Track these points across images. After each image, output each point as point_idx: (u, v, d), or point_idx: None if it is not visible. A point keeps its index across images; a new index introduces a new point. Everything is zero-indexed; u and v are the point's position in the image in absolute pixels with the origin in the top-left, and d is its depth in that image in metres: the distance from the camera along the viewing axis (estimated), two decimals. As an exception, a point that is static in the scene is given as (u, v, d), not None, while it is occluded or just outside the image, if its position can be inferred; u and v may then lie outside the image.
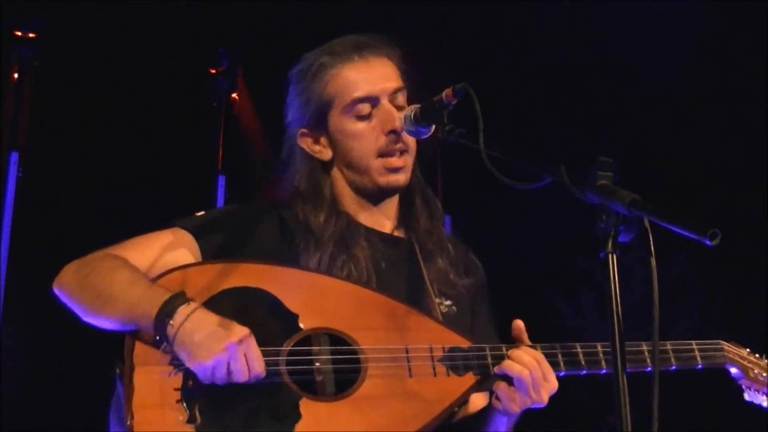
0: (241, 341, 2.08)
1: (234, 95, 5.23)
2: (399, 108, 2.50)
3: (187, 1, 5.50)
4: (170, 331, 2.09)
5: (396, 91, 2.52)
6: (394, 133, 2.45)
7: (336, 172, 2.55)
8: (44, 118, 5.03)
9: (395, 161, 2.47)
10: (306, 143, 2.55)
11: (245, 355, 2.09)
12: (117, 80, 5.39)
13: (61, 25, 4.95)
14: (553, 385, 2.28)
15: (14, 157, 4.55)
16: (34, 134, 4.79)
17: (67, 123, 5.28)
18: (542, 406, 2.28)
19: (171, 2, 5.43)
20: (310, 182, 2.53)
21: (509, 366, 2.25)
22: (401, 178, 2.49)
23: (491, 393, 2.32)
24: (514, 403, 2.26)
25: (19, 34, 4.66)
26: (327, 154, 2.54)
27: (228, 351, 2.07)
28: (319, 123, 2.53)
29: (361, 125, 2.49)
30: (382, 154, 2.47)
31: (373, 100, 2.49)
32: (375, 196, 2.53)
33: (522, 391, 2.25)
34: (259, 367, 2.11)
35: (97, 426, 2.32)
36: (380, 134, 2.47)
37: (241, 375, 2.09)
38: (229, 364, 2.07)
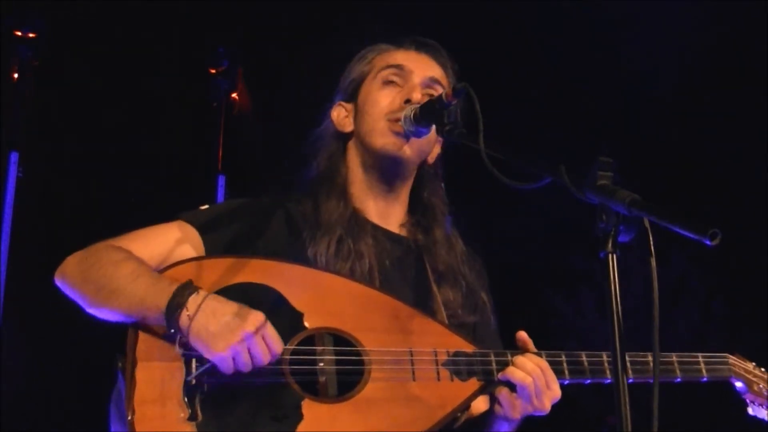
0: (257, 329, 2.08)
1: (234, 95, 5.22)
2: (430, 96, 2.47)
3: (187, 1, 5.49)
4: (183, 322, 2.08)
5: (434, 80, 2.52)
6: (410, 104, 2.43)
7: (351, 150, 2.55)
8: (44, 118, 5.02)
9: (401, 128, 2.43)
10: (337, 114, 2.58)
11: (263, 339, 2.08)
12: (117, 80, 5.39)
13: (61, 25, 4.94)
14: (555, 393, 2.27)
15: (14, 157, 4.53)
16: (34, 134, 4.78)
17: (67, 123, 5.28)
18: (544, 413, 2.27)
19: (171, 2, 5.43)
20: (327, 165, 2.54)
21: (512, 373, 2.25)
22: (399, 145, 2.44)
23: (493, 397, 2.31)
24: (515, 410, 2.25)
25: (19, 34, 4.65)
26: (349, 126, 2.55)
27: (245, 341, 2.06)
28: (353, 93, 2.57)
29: (385, 91, 2.50)
30: (391, 118, 2.45)
31: (406, 73, 2.51)
32: (382, 176, 2.50)
33: (524, 398, 2.24)
34: (278, 347, 2.11)
35: (97, 425, 2.32)
36: (395, 102, 2.47)
37: (262, 359, 2.08)
38: (249, 349, 2.07)
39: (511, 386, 2.25)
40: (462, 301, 2.50)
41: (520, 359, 2.26)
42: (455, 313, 2.47)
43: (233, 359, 2.07)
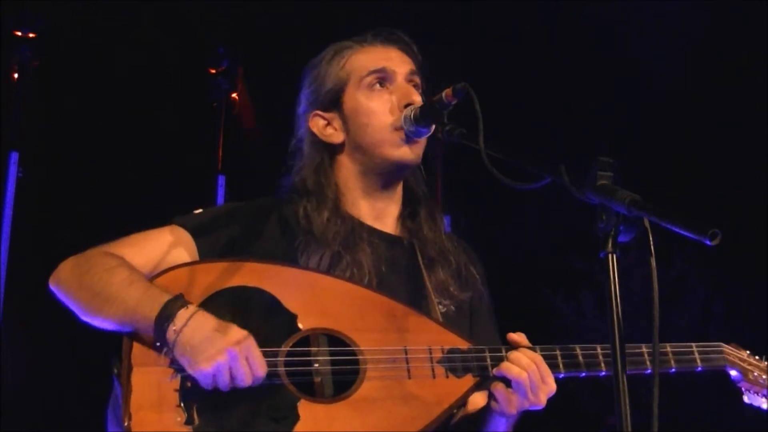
0: (240, 345, 2.06)
1: (234, 95, 5.22)
2: (416, 88, 2.50)
3: (187, 1, 5.49)
4: (170, 336, 2.07)
5: (413, 73, 2.52)
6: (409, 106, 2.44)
7: (344, 160, 2.52)
8: (44, 118, 5.02)
9: (404, 133, 2.43)
10: (317, 126, 2.53)
11: (246, 359, 2.07)
12: (117, 80, 5.39)
13: (61, 25, 4.94)
14: (551, 387, 2.27)
15: (14, 157, 4.53)
16: (34, 134, 4.78)
17: (67, 123, 5.28)
18: (540, 408, 2.28)
19: (171, 2, 5.43)
20: (315, 177, 2.50)
21: (507, 368, 2.25)
22: (413, 153, 2.46)
23: (489, 393, 2.31)
24: (511, 405, 2.25)
25: (19, 34, 4.65)
26: (339, 136, 2.51)
27: (228, 357, 2.05)
28: (333, 103, 2.52)
29: (377, 100, 2.48)
30: (398, 127, 2.44)
31: (389, 75, 2.50)
32: (382, 180, 2.51)
33: (520, 394, 2.24)
34: (261, 369, 2.09)
35: (96, 425, 2.32)
36: (396, 109, 2.46)
37: (244, 379, 2.07)
38: (231, 369, 2.06)
39: (507, 382, 2.25)
40: (454, 280, 2.50)
41: (514, 354, 2.26)
42: (449, 293, 2.47)
43: (214, 377, 2.06)
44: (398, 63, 2.52)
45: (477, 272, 2.59)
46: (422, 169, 2.63)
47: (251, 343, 2.09)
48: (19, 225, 4.50)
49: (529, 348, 2.29)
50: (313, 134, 2.54)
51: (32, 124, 4.77)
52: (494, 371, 2.26)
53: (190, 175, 5.32)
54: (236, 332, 2.09)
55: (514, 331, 2.35)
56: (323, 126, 2.53)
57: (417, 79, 2.53)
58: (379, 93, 2.49)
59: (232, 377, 2.07)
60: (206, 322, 2.09)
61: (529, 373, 2.23)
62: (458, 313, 2.49)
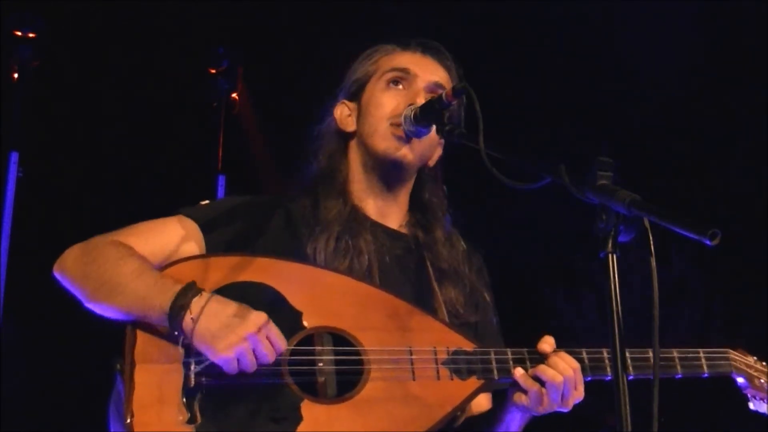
0: (259, 329, 2.07)
1: (234, 95, 5.23)
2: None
3: (187, 1, 5.49)
4: (187, 325, 2.08)
5: (437, 85, 2.51)
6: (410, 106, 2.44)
7: (353, 150, 2.54)
8: (44, 118, 5.03)
9: (402, 131, 2.44)
10: (340, 114, 2.57)
11: (268, 338, 2.09)
12: (117, 80, 5.39)
13: (61, 25, 4.94)
14: (580, 394, 2.29)
15: (14, 157, 4.54)
16: (34, 134, 4.78)
17: (67, 123, 5.28)
18: (567, 410, 2.28)
19: (171, 2, 5.43)
20: (328, 164, 2.54)
21: (543, 370, 2.25)
22: (401, 148, 2.45)
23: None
24: (541, 405, 2.26)
25: (19, 34, 4.66)
26: (351, 125, 2.55)
27: (249, 341, 2.06)
28: (356, 93, 2.57)
29: (388, 95, 2.50)
30: (394, 123, 2.45)
31: (410, 77, 2.51)
32: (383, 179, 2.51)
33: (552, 396, 2.25)
34: (282, 345, 2.11)
35: (97, 425, 2.32)
36: (400, 106, 2.46)
37: (267, 358, 2.09)
38: (254, 350, 2.07)
39: (541, 382, 2.25)
40: (464, 300, 2.49)
41: (553, 359, 2.27)
42: (457, 312, 2.47)
43: (238, 360, 2.07)
44: (425, 70, 2.53)
45: (487, 293, 2.58)
46: (444, 189, 2.62)
47: (270, 324, 2.10)
48: (19, 225, 4.50)
49: (568, 353, 2.29)
50: (335, 121, 2.58)
51: (32, 124, 4.77)
52: (530, 372, 2.26)
53: (190, 175, 5.32)
54: (255, 316, 2.09)
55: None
56: (345, 115, 2.57)
57: (440, 92, 2.48)
58: (394, 90, 2.51)
59: (257, 356, 2.08)
60: (223, 308, 2.10)
61: (566, 378, 2.24)
62: (463, 328, 2.47)
